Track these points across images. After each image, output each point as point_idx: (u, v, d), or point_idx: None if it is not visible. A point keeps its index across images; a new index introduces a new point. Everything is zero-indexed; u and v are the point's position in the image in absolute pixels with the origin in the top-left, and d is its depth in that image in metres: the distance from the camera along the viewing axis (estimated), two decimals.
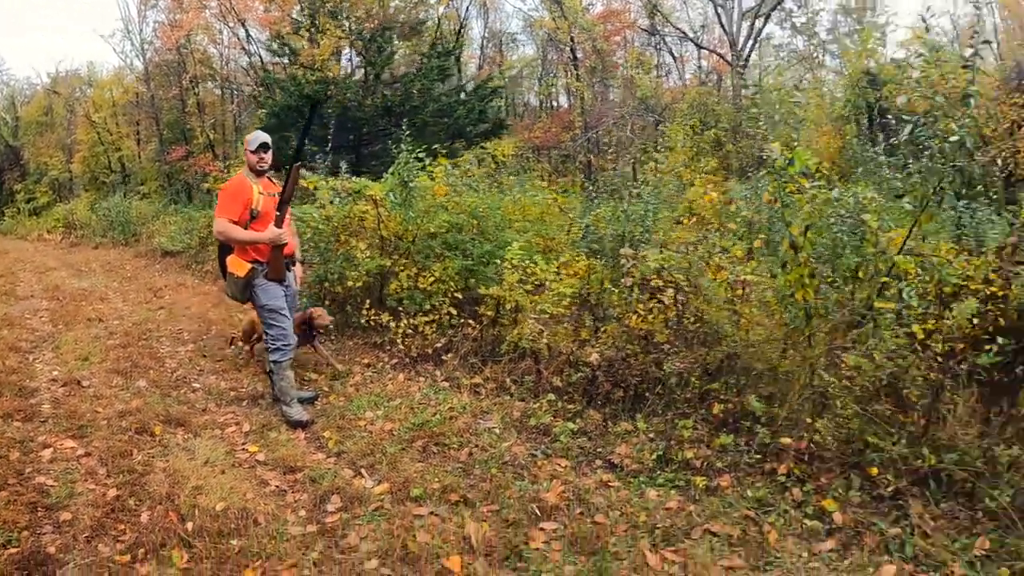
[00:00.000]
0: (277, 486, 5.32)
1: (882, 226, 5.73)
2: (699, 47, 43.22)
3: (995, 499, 4.59)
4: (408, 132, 11.12)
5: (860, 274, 5.82)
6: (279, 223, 6.46)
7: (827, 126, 26.03)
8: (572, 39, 37.72)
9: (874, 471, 4.92)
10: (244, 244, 6.50)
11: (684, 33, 42.33)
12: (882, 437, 5.05)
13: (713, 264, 6.51)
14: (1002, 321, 5.57)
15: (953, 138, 5.41)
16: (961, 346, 5.41)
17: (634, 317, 6.32)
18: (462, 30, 37.85)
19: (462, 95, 23.97)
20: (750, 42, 39.27)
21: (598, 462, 5.61)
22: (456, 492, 5.12)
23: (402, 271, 8.85)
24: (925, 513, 4.66)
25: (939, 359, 5.23)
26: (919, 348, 5.28)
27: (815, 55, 45.55)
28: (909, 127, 5.89)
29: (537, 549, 4.39)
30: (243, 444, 6.15)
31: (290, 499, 5.12)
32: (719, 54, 41.82)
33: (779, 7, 39.33)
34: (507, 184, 11.99)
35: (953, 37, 44.57)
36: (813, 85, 35.44)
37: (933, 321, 5.37)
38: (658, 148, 16.33)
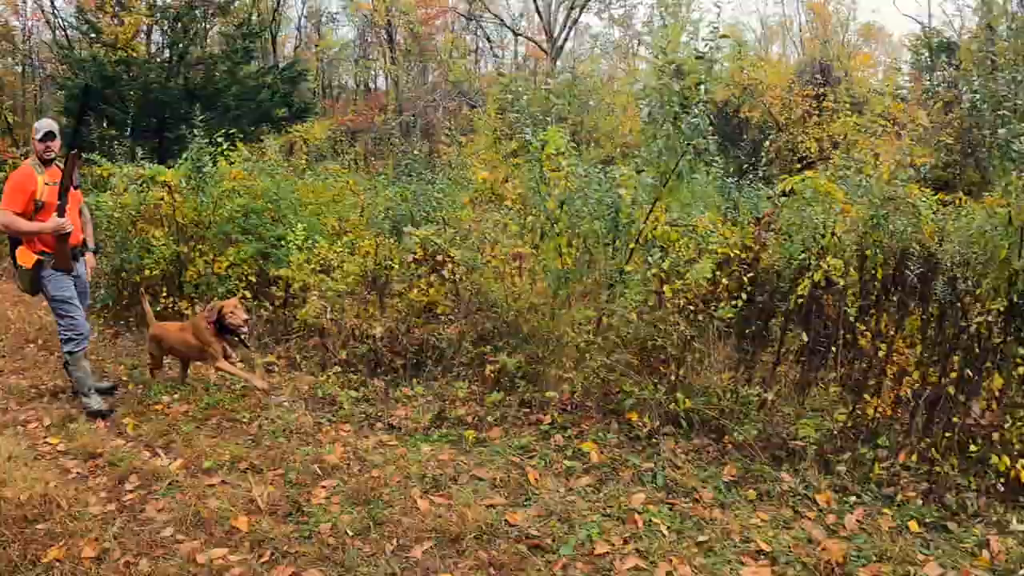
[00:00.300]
0: (79, 472, 5.36)
1: (637, 199, 6.37)
2: (516, 34, 44.28)
3: (741, 434, 5.36)
4: (210, 116, 10.99)
5: (617, 243, 6.47)
6: (60, 212, 6.42)
7: (636, 111, 27.38)
8: (389, 22, 37.70)
9: (633, 416, 5.57)
10: (30, 235, 6.44)
11: (501, 20, 43.26)
12: (643, 386, 5.71)
13: (490, 239, 7.01)
14: (745, 280, 6.39)
15: (693, 119, 6.07)
16: (703, 302, 6.19)
17: (415, 291, 6.74)
18: (279, 8, 37.02)
19: (269, 78, 23.51)
20: (566, 31, 40.64)
21: (379, 425, 6.01)
22: (245, 461, 5.37)
23: (199, 257, 8.87)
24: (677, 448, 5.36)
25: (691, 314, 5.97)
26: (670, 306, 5.99)
27: (630, 46, 47.76)
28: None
29: (318, 504, 4.73)
30: (45, 438, 6.12)
31: (91, 483, 5.17)
32: (535, 41, 42.96)
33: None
34: (302, 168, 12.13)
35: (760, 35, 47.84)
36: (627, 73, 37.06)
37: (679, 282, 6.08)
38: (463, 132, 16.93)
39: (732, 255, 6.53)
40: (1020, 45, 31.38)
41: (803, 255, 6.44)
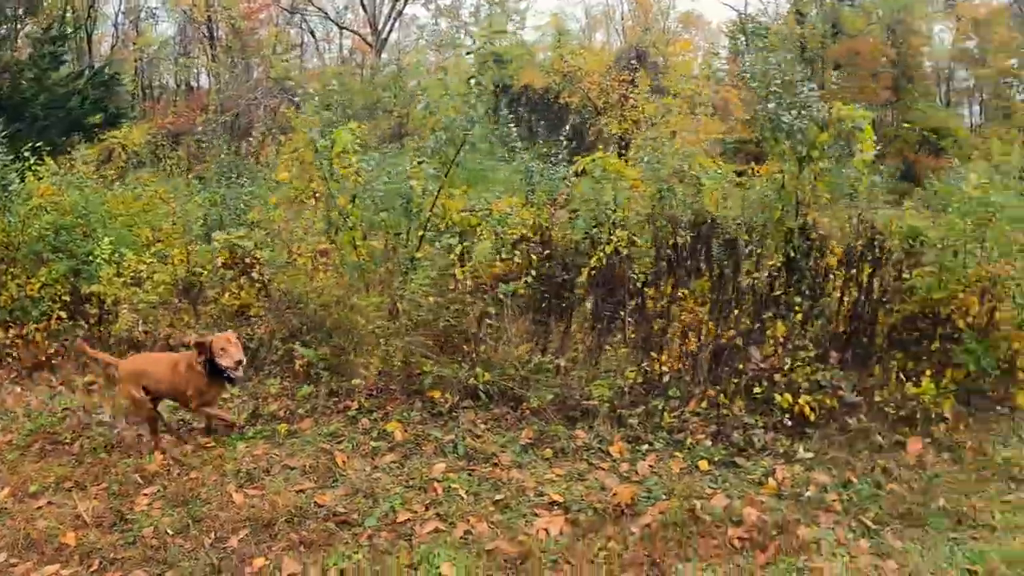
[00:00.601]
0: None
1: (427, 189, 6.78)
2: (340, 27, 43.62)
3: (537, 399, 5.86)
4: (17, 128, 10.54)
5: (410, 232, 6.87)
6: None
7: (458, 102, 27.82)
8: (210, 17, 36.54)
9: (436, 394, 5.98)
10: None
11: (325, 13, 42.53)
12: (443, 365, 6.13)
13: (297, 237, 7.26)
14: (535, 258, 6.91)
15: (460, 117, 6.51)
16: (502, 281, 6.69)
17: (226, 295, 6.92)
18: (95, 5, 35.14)
19: (81, 82, 22.42)
20: (391, 23, 40.47)
21: (197, 429, 6.16)
22: (70, 479, 5.43)
23: (11, 281, 8.61)
24: (477, 419, 5.82)
25: (483, 293, 6.44)
26: (463, 287, 6.45)
27: (457, 36, 48.09)
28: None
29: (141, 511, 4.90)
30: None
31: None
32: (360, 34, 42.56)
33: None
34: (111, 178, 11.87)
35: (585, 24, 49.13)
36: (453, 64, 37.32)
37: (469, 264, 6.55)
38: (283, 130, 16.86)
39: (523, 235, 7.03)
40: (827, 28, 34.03)
41: (595, 229, 7.01)
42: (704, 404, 5.82)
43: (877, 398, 5.92)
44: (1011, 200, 7.11)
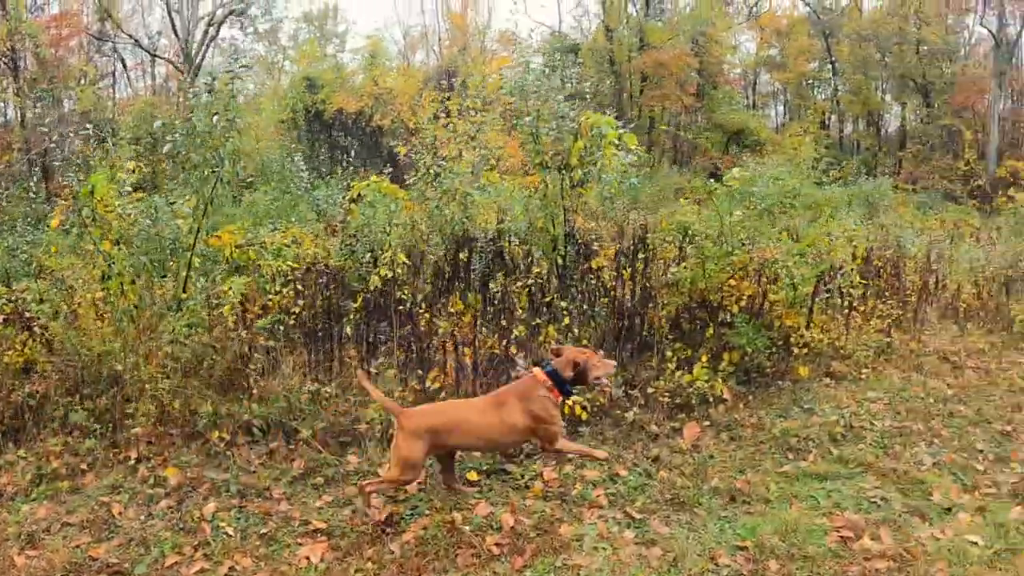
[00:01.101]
0: None
1: (193, 228, 6.74)
2: (152, 55, 41.73)
3: (309, 429, 5.78)
4: None
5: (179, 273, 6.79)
6: None
7: (272, 129, 27.48)
8: (13, 47, 34.35)
9: (214, 435, 5.89)
10: None
11: (136, 40, 40.56)
12: (217, 403, 6.08)
13: (80, 286, 7.03)
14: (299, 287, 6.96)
15: (222, 149, 6.53)
16: (285, 312, 6.70)
17: (10, 353, 6.61)
18: None
19: None
20: (204, 48, 39.18)
21: None
22: None
23: None
24: (251, 456, 5.75)
25: (248, 327, 6.41)
26: (229, 324, 6.41)
27: (276, 61, 47.23)
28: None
29: None
30: None
31: None
32: (171, 61, 40.95)
33: (236, 13, 39.61)
34: None
35: (403, 45, 49.27)
36: (271, 90, 36.68)
37: (234, 300, 6.55)
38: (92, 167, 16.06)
39: (294, 266, 7.10)
40: (633, 42, 35.56)
41: (370, 254, 7.14)
42: None
43: (651, 389, 6.19)
44: (769, 190, 7.65)
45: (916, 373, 8.07)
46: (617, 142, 6.64)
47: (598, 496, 4.96)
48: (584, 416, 5.80)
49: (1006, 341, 9.70)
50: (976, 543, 4.43)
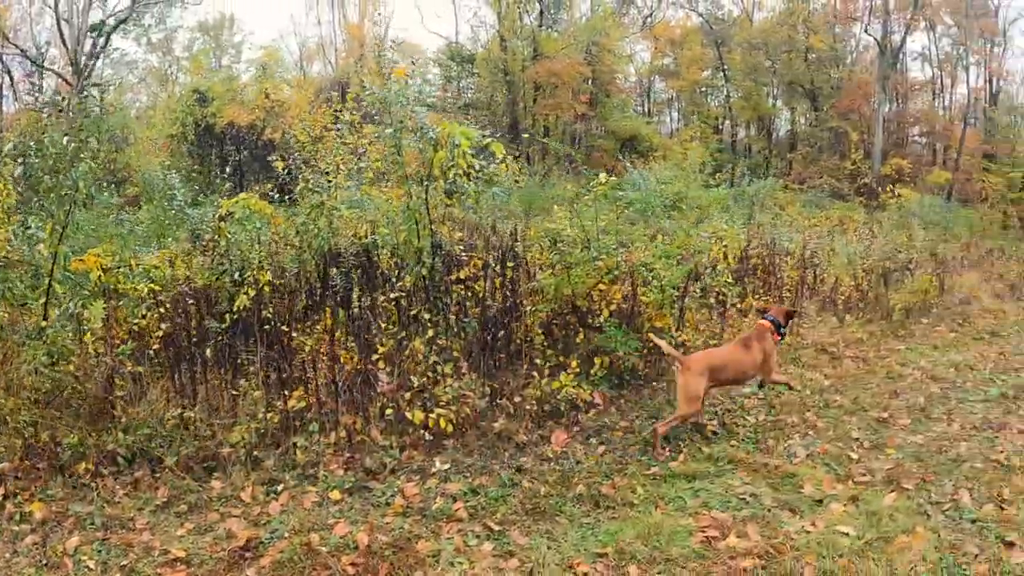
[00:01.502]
0: None
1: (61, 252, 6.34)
2: (40, 67, 39.87)
3: (173, 456, 5.50)
4: None
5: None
6: None
7: (162, 142, 26.64)
8: None
9: (80, 466, 5.52)
10: None
11: (23, 51, 38.67)
12: (82, 434, 5.68)
13: None
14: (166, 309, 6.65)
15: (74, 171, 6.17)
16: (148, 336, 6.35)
17: None
18: None
19: None
20: (94, 59, 37.55)
21: None
22: None
23: None
24: (116, 486, 5.41)
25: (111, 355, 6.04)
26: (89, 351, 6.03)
27: (170, 73, 45.79)
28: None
29: None
30: None
31: None
32: (59, 73, 39.28)
33: (129, 22, 38.02)
34: None
35: (299, 56, 48.53)
36: (163, 103, 35.54)
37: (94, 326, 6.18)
38: None
39: (155, 288, 6.76)
40: (528, 52, 35.73)
41: (238, 274, 6.84)
42: (343, 434, 5.73)
43: (518, 398, 6.12)
44: (636, 195, 7.63)
45: (793, 366, 8.25)
46: (471, 151, 6.49)
47: (458, 509, 4.85)
48: (449, 429, 5.67)
49: (884, 330, 10.13)
50: (847, 534, 4.46)
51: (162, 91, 42.16)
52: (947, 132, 38.99)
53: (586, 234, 6.98)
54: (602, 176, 7.18)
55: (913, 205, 23.28)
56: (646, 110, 47.61)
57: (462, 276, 6.96)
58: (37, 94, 34.06)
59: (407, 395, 5.90)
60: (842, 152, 36.36)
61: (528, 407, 6.08)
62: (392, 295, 6.66)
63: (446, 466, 5.42)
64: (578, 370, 6.43)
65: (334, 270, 7.21)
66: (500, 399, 6.11)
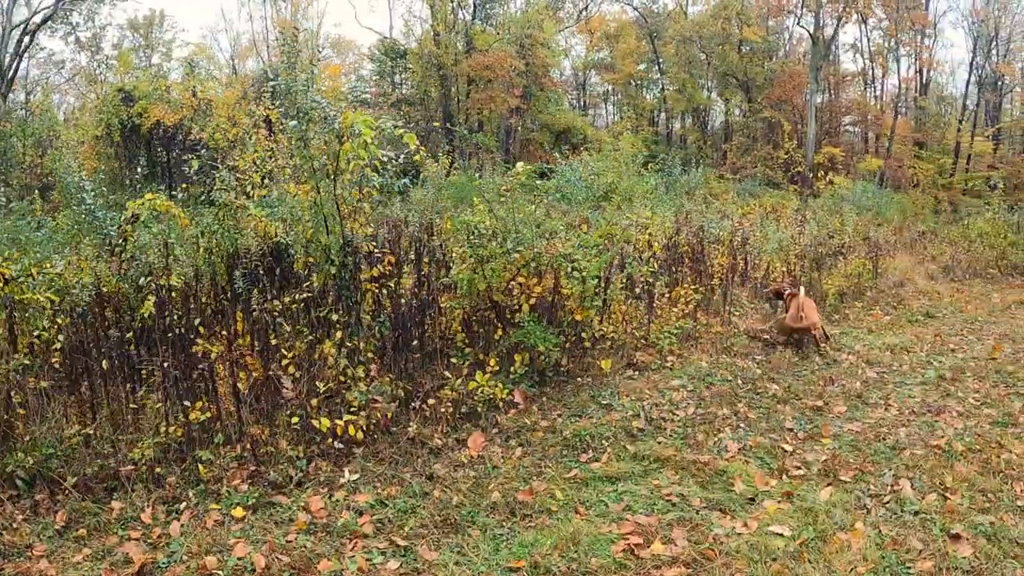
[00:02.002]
0: None
1: None
2: None
3: (73, 476, 5.08)
4: None
5: None
6: None
7: (86, 145, 25.69)
8: None
9: None
10: None
11: None
12: None
13: None
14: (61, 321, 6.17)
15: None
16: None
17: None
18: None
19: None
20: (18, 58, 36.18)
21: None
22: None
23: None
24: (15, 510, 4.91)
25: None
26: None
27: (99, 72, 44.33)
28: None
29: None
30: None
31: None
32: None
33: (56, 20, 36.63)
34: None
35: (232, 53, 47.45)
36: (92, 103, 34.43)
37: None
38: None
39: (52, 298, 6.27)
40: (460, 47, 35.39)
41: (147, 278, 6.38)
42: (249, 446, 5.33)
43: (432, 400, 5.80)
44: (574, 186, 7.33)
45: (725, 355, 8.03)
46: (370, 141, 6.08)
47: (364, 524, 4.51)
48: (359, 436, 5.32)
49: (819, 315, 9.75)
50: (782, 534, 4.25)
51: (91, 91, 40.85)
52: (879, 121, 39.57)
53: (504, 225, 6.61)
54: (519, 166, 6.85)
55: (846, 191, 23.50)
56: (582, 104, 47.67)
57: (375, 274, 6.57)
58: None
59: (314, 402, 5.53)
60: (775, 142, 36.60)
61: (443, 409, 5.75)
62: (300, 296, 6.22)
63: (355, 476, 5.07)
64: (497, 368, 6.14)
65: (238, 272, 6.75)
66: (414, 402, 5.79)
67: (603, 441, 5.67)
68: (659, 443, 5.65)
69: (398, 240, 7.39)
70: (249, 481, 5.05)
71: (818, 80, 37.13)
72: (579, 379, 6.87)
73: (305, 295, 6.31)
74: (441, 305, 6.66)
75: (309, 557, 4.16)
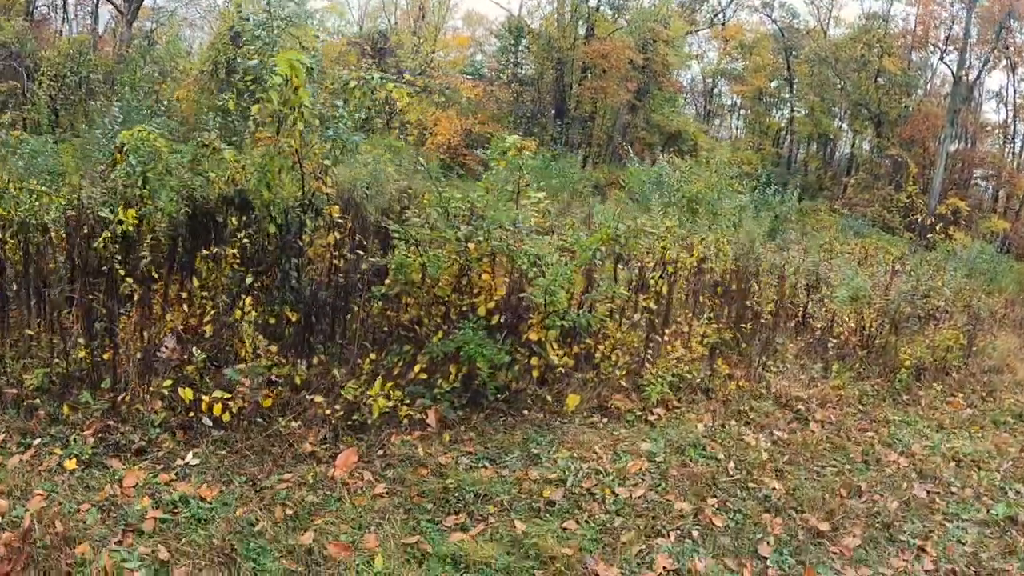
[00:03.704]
0: None
1: None
2: None
3: None
4: None
5: None
6: None
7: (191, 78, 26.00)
8: None
9: None
10: None
11: None
12: None
13: None
14: None
15: None
16: None
17: None
18: None
19: None
20: None
21: None
22: None
23: None
24: None
25: None
26: None
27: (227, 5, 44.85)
28: None
29: None
30: None
31: None
32: (112, 2, 38.81)
33: None
34: None
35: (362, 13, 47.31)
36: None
37: None
38: None
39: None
40: (580, 32, 34.20)
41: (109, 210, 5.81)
42: (127, 398, 4.77)
43: (320, 398, 4.93)
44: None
45: (734, 421, 6.28)
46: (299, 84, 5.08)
47: (148, 521, 3.81)
48: (226, 418, 4.61)
49: (881, 391, 7.84)
50: None
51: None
52: (1013, 180, 36.52)
53: (476, 207, 5.34)
54: (511, 139, 5.60)
55: (961, 249, 21.13)
56: (706, 111, 45.79)
57: (330, 241, 5.75)
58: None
59: (189, 368, 4.96)
60: (898, 183, 34.13)
61: (329, 412, 4.83)
62: (220, 252, 5.54)
63: (196, 461, 4.39)
64: (424, 377, 5.16)
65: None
66: (303, 393, 4.98)
67: (489, 506, 4.35)
68: (562, 530, 4.18)
69: (346, 208, 6.31)
70: (99, 436, 4.56)
71: (955, 124, 34.49)
72: (527, 411, 5.60)
73: (231, 251, 5.57)
74: (371, 291, 5.67)
75: (76, 537, 3.53)
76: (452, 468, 4.71)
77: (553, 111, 34.18)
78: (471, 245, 5.23)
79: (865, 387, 7.71)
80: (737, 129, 47.24)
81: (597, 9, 35.55)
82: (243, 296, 5.19)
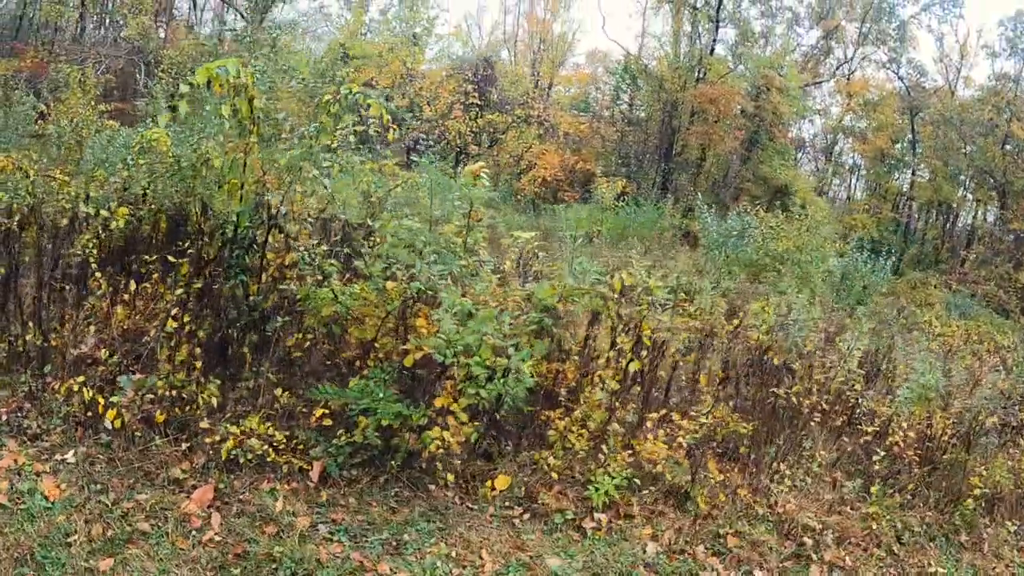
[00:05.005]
0: None
1: None
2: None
3: None
4: None
5: None
6: None
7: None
8: None
9: None
10: None
11: None
12: None
13: None
14: None
15: None
16: None
17: None
18: None
19: None
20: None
21: None
22: None
23: None
24: None
25: None
26: None
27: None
28: None
29: None
30: None
31: None
32: (234, 7, 40.01)
33: None
34: None
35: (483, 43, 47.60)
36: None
37: None
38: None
39: None
40: (691, 75, 33.41)
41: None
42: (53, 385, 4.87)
43: (206, 423, 4.72)
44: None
45: (702, 548, 4.90)
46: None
47: None
48: (117, 424, 4.56)
49: (931, 526, 5.91)
50: None
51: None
52: None
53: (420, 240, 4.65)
54: (476, 165, 5.32)
55: None
56: (825, 168, 44.51)
57: (285, 262, 5.48)
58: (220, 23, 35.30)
59: (100, 369, 4.94)
60: (1020, 261, 31.66)
61: (210, 440, 4.58)
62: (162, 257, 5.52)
63: (73, 460, 4.39)
64: (330, 423, 4.74)
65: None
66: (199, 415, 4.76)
67: None
68: None
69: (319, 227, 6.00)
70: (11, 414, 4.74)
71: None
72: (433, 485, 4.81)
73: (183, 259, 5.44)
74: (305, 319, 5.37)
75: None
76: (295, 535, 4.08)
77: (659, 154, 33.57)
78: (389, 284, 4.53)
79: (911, 520, 5.85)
80: (856, 190, 45.54)
81: (711, 52, 34.78)
82: (177, 307, 5.13)
